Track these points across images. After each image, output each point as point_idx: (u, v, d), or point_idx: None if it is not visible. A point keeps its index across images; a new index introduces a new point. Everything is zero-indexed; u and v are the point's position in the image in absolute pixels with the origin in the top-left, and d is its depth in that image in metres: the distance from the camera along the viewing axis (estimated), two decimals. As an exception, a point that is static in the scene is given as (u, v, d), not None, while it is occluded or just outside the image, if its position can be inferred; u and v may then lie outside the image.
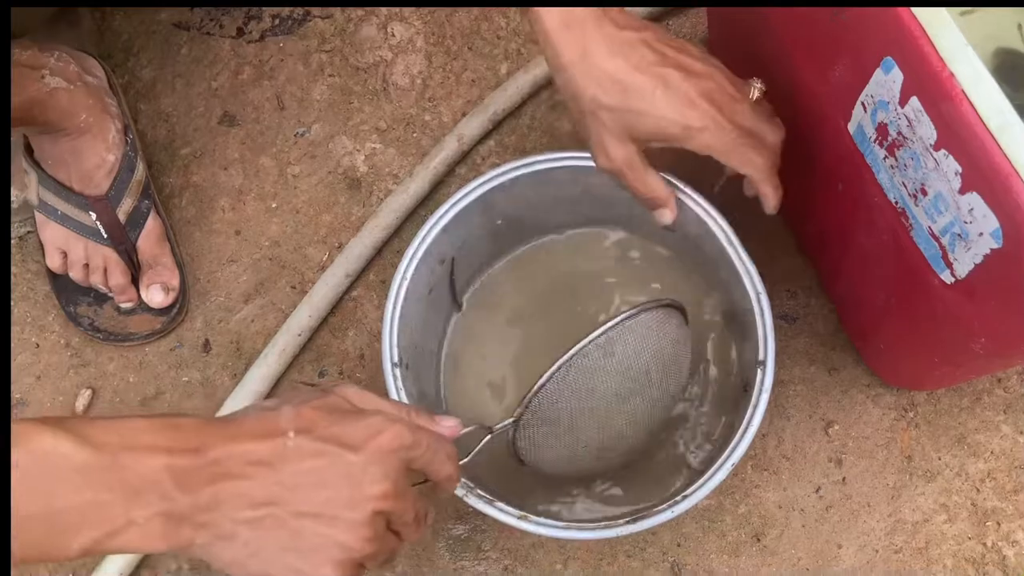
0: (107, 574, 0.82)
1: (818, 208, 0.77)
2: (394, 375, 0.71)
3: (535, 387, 0.65)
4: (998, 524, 0.81)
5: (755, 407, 0.67)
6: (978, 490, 0.82)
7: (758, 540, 0.82)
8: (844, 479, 0.83)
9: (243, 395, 0.85)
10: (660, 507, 0.67)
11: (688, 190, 0.72)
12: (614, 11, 0.61)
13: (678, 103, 0.60)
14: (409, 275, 0.74)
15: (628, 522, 0.66)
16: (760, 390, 0.68)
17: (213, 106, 0.97)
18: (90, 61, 0.90)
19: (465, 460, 0.61)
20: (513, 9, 0.97)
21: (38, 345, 0.91)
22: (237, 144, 0.96)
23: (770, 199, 0.68)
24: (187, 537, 0.46)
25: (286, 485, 0.47)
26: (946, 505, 0.82)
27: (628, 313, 0.65)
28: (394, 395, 0.71)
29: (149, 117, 0.96)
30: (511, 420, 0.66)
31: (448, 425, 0.57)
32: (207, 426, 0.48)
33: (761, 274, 0.71)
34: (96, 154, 0.85)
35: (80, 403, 0.89)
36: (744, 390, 0.71)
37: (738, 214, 0.87)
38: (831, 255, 0.80)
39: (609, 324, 0.65)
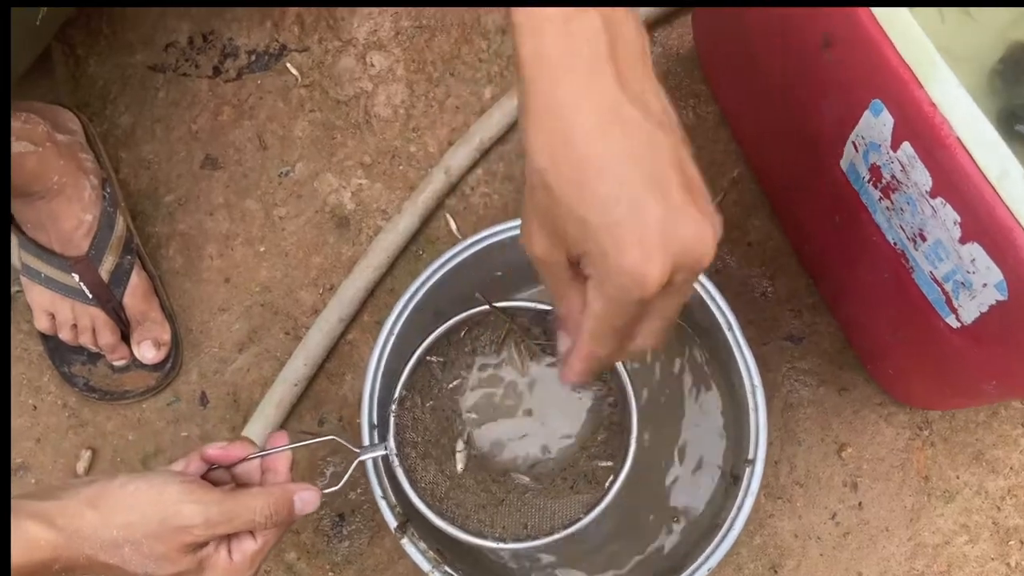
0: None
1: (818, 236, 0.74)
2: (371, 437, 0.70)
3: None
4: (1021, 543, 0.79)
5: (739, 508, 0.64)
6: (999, 508, 0.79)
7: (775, 572, 0.80)
8: (860, 503, 0.81)
9: (242, 450, 0.84)
10: None
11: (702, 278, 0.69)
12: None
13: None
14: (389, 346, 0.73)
15: None
16: (747, 491, 0.65)
17: (194, 150, 0.94)
18: (64, 115, 0.88)
19: (335, 488, 0.61)
20: (494, 31, 0.94)
21: (35, 407, 0.90)
22: (221, 188, 0.93)
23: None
24: None
25: None
26: (967, 525, 0.79)
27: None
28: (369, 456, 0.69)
29: (130, 165, 0.94)
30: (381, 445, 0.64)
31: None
32: None
33: (760, 368, 0.68)
34: (73, 215, 0.83)
35: (81, 465, 0.88)
36: (733, 481, 0.68)
37: (737, 232, 0.85)
38: (833, 282, 0.77)
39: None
